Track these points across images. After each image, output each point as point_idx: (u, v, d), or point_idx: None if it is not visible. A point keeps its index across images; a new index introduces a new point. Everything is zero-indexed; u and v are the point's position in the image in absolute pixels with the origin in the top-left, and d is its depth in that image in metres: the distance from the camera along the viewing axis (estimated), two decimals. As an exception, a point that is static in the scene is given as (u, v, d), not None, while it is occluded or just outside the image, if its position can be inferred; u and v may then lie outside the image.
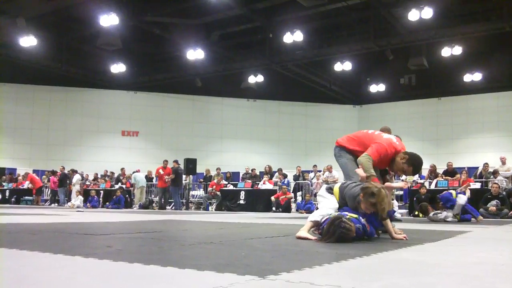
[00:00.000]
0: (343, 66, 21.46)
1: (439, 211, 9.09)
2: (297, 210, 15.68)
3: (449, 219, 8.90)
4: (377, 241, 3.82)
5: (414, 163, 5.02)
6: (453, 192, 9.13)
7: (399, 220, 9.12)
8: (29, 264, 2.31)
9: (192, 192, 19.45)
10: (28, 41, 19.21)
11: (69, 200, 19.28)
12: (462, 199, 8.79)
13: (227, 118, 26.44)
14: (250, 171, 19.08)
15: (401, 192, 16.32)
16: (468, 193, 8.96)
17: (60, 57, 22.12)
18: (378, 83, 24.37)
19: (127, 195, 18.66)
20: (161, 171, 17.29)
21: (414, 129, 24.34)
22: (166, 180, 17.00)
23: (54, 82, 24.13)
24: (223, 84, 24.71)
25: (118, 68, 23.12)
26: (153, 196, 19.30)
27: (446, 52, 19.79)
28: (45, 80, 24.00)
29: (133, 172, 19.26)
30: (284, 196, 15.73)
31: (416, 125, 24.46)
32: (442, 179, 14.22)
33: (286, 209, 15.52)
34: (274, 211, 15.29)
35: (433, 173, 15.67)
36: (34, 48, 19.96)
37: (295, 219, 9.36)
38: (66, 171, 20.22)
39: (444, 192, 9.45)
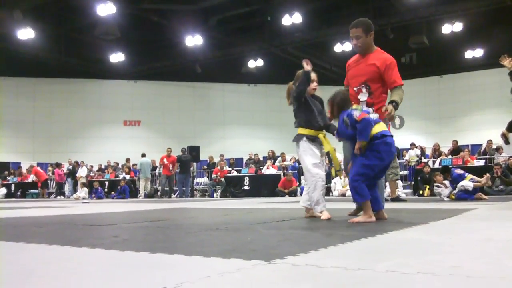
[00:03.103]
0: (343, 47, 21.33)
1: (440, 185, 9.12)
2: (301, 195, 15.72)
3: (445, 198, 8.91)
4: (383, 222, 3.83)
5: None
6: (468, 177, 8.97)
7: (404, 200, 9.15)
8: (36, 256, 2.33)
9: (196, 180, 19.50)
10: (26, 33, 19.14)
11: (75, 192, 19.40)
12: (468, 185, 8.70)
13: (229, 104, 26.39)
14: (253, 157, 19.09)
15: (406, 172, 16.34)
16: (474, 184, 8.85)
17: (59, 49, 22.05)
18: (379, 63, 24.21)
19: (132, 185, 18.72)
20: (165, 160, 17.27)
21: (416, 108, 24.24)
22: (171, 168, 17.05)
23: (54, 74, 24.10)
24: (223, 69, 24.61)
25: (117, 57, 23.04)
26: (157, 184, 19.34)
27: (447, 29, 19.63)
28: (45, 73, 23.97)
29: (142, 155, 18.93)
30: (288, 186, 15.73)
31: (418, 104, 24.35)
32: (446, 158, 14.22)
33: (292, 193, 15.58)
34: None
35: (436, 152, 15.66)
36: (32, 41, 19.89)
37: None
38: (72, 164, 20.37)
39: (459, 172, 9.25)
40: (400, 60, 23.99)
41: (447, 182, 9.15)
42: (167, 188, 17.41)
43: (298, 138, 4.48)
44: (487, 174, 10.31)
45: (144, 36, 23.32)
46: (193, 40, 20.74)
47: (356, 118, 3.82)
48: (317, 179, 4.31)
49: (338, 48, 21.47)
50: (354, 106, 4.01)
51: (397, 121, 23.97)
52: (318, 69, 24.49)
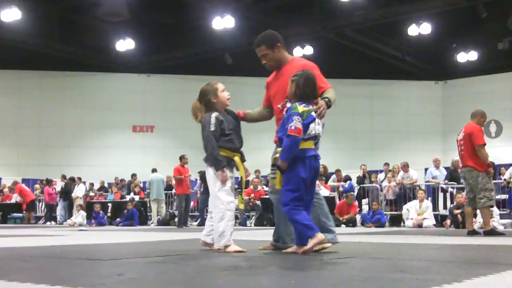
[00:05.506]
0: (420, 29, 21.06)
1: None
2: (362, 224, 15.55)
3: None
4: (466, 261, 3.75)
5: None
6: None
7: (502, 234, 8.92)
8: (20, 298, 2.38)
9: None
10: (10, 14, 19.49)
11: (69, 216, 19.61)
12: None
13: (267, 104, 26.39)
14: (299, 173, 19.01)
15: (505, 196, 15.94)
16: None
17: (51, 34, 22.43)
18: (468, 51, 23.81)
19: (142, 208, 18.77)
20: (191, 176, 16.83)
21: (518, 110, 23.73)
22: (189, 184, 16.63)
23: (45, 66, 24.56)
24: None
25: (125, 45, 23.34)
26: (174, 208, 19.27)
27: (561, 4, 19.17)
28: (34, 64, 24.45)
29: (153, 171, 18.89)
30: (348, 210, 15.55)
31: (521, 105, 23.84)
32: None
33: (350, 222, 15.43)
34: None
35: (547, 169, 15.24)
36: (18, 24, 20.25)
37: (360, 236, 9.30)
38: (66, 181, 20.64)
39: None
40: (496, 46, 23.54)
41: None
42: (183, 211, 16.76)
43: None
44: None
45: (160, 18, 23.57)
46: (223, 23, 20.87)
47: (288, 130, 4.25)
48: (227, 208, 4.63)
49: (413, 30, 21.20)
50: (300, 109, 4.38)
51: (492, 127, 23.47)
52: (386, 58, 24.32)
